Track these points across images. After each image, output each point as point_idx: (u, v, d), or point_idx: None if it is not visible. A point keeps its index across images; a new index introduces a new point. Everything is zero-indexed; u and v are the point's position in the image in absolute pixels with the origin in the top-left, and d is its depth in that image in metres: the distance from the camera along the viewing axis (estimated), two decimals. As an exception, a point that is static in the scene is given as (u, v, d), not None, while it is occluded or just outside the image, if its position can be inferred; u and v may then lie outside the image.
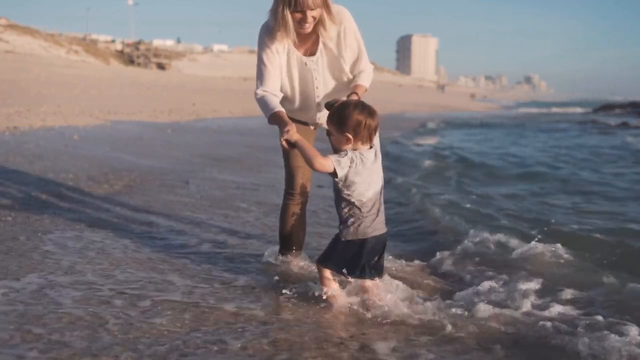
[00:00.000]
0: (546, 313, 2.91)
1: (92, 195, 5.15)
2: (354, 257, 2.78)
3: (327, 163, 2.64)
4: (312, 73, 3.16)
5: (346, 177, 2.69)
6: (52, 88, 19.41)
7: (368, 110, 2.71)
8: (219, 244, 4.02)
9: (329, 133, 2.84)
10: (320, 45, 3.13)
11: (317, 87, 3.20)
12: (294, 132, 2.73)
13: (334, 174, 2.67)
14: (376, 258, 2.83)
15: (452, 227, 4.90)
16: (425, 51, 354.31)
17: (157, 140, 9.49)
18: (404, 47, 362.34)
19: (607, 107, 47.22)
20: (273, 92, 3.05)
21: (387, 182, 5.72)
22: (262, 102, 3.03)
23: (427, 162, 9.92)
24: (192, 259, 3.59)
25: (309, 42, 3.13)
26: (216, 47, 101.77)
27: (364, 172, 2.71)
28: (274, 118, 2.93)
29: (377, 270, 2.85)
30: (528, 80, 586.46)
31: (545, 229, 4.71)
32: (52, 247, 3.52)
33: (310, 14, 2.90)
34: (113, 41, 77.72)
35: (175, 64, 66.08)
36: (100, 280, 3.01)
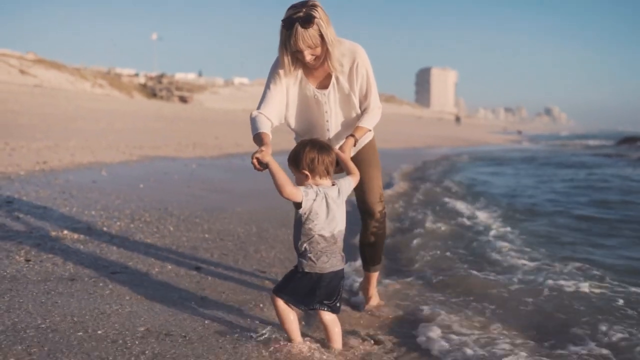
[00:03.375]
0: None
1: (122, 231, 5.18)
2: (311, 291, 2.80)
3: (297, 192, 2.69)
4: (323, 106, 3.22)
5: (310, 210, 2.72)
6: (79, 121, 19.77)
7: (320, 146, 2.79)
8: (247, 281, 4.01)
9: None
10: (333, 80, 3.18)
11: (327, 121, 3.26)
12: (267, 153, 2.74)
13: (299, 205, 2.72)
14: (334, 298, 2.86)
15: None
16: (445, 84, 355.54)
17: (184, 176, 9.56)
18: (423, 80, 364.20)
19: (629, 140, 46.83)
20: (267, 115, 3.11)
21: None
22: (253, 123, 3.08)
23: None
24: (225, 295, 3.58)
25: (322, 75, 3.19)
26: (237, 80, 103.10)
27: (327, 208, 2.75)
28: (256, 138, 2.98)
29: (332, 309, 2.88)
30: (548, 112, 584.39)
31: None
32: (82, 288, 3.53)
33: (308, 52, 2.96)
34: (136, 74, 79.20)
35: (197, 97, 67.03)
36: (133, 320, 3.01)
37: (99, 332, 2.84)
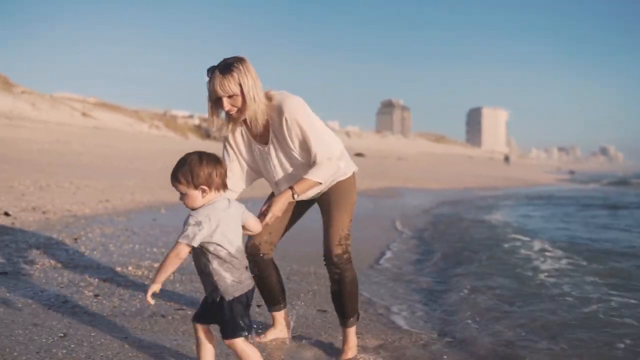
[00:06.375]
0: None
1: (183, 267, 5.26)
2: (247, 311, 2.60)
3: (180, 249, 2.48)
4: (269, 161, 3.22)
5: (208, 235, 2.51)
6: (137, 162, 20.46)
7: (213, 158, 2.60)
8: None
9: (181, 198, 2.62)
10: (271, 135, 3.15)
11: (274, 175, 3.25)
12: (154, 291, 2.53)
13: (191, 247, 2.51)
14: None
15: None
16: (495, 123, 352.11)
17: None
18: (473, 120, 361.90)
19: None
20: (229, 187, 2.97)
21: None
22: None
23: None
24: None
25: (262, 130, 3.16)
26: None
27: (220, 223, 2.54)
28: None
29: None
30: (604, 151, 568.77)
31: None
32: (148, 324, 3.60)
33: (227, 101, 2.93)
34: (191, 116, 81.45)
35: (248, 138, 68.15)
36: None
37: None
